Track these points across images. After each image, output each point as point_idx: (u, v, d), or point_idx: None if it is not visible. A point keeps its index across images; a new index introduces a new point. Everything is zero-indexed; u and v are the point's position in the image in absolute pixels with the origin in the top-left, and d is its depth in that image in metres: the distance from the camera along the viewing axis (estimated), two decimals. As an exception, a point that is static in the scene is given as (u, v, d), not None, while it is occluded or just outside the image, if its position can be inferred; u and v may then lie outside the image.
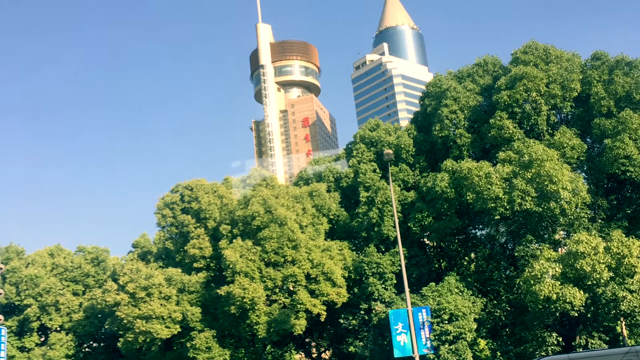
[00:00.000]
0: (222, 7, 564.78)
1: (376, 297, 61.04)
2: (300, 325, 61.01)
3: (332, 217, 68.61)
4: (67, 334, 77.58)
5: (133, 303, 63.98)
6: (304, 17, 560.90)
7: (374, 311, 60.66)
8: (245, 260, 61.24)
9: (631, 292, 47.58)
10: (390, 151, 49.64)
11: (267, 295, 62.24)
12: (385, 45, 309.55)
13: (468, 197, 55.55)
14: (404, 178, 65.03)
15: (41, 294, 77.09)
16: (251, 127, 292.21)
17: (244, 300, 59.56)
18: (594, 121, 57.90)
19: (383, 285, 61.38)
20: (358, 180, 66.37)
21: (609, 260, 47.31)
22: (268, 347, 67.45)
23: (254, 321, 60.77)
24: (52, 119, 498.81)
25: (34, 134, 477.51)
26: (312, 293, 62.13)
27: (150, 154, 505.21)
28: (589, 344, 54.37)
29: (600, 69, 60.54)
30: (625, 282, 47.64)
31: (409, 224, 61.50)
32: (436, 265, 67.63)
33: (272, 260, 62.23)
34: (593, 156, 59.40)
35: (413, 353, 47.73)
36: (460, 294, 56.88)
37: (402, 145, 65.67)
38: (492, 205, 53.84)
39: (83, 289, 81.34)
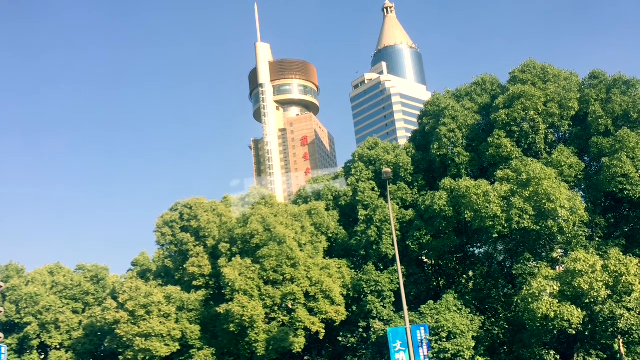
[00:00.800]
0: (221, 27, 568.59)
1: (375, 315, 61.10)
2: (299, 343, 61.03)
3: (330, 235, 68.79)
4: (66, 351, 77.49)
5: (132, 321, 64.04)
6: (303, 36, 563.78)
7: (372, 329, 60.68)
8: (244, 279, 61.36)
9: (629, 310, 47.73)
10: (389, 170, 49.88)
11: (266, 313, 62.30)
12: (383, 64, 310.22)
13: (466, 216, 55.77)
14: (402, 196, 65.31)
15: (41, 311, 77.11)
16: (250, 145, 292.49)
17: (243, 318, 59.65)
18: (592, 140, 58.27)
19: (381, 303, 61.46)
20: (357, 198, 66.59)
21: (607, 278, 47.42)
22: (267, 365, 67.34)
23: (253, 339, 60.81)
24: (52, 137, 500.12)
25: (34, 152, 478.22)
26: (310, 311, 62.18)
27: (150, 172, 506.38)
28: (587, 362, 54.42)
29: (597, 88, 61.00)
30: (623, 300, 47.73)
31: (408, 242, 61.72)
32: (434, 283, 67.73)
33: (271, 278, 62.36)
34: (591, 174, 59.67)
35: (412, 371, 47.71)
36: (458, 312, 56.97)
37: (401, 164, 66.01)
38: (490, 223, 54.01)
39: (83, 307, 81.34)
